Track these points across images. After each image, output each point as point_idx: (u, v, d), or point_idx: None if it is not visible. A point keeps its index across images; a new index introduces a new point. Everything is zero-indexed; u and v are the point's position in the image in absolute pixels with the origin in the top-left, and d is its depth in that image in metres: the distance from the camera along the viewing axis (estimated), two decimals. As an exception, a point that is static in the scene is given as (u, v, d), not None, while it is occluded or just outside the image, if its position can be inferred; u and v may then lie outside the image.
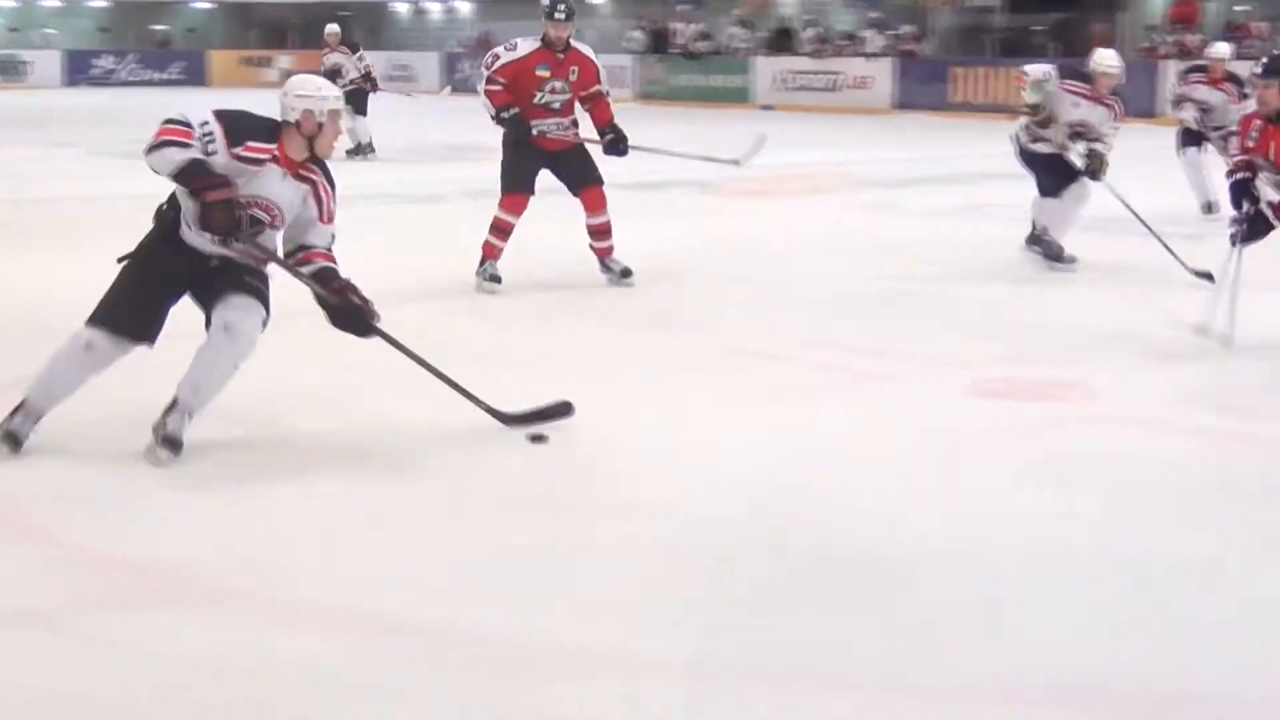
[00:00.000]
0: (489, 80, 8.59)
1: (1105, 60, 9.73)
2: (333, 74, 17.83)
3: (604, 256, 8.84)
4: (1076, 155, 9.58)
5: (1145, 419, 6.12)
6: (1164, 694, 3.53)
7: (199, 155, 5.12)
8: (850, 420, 6.10)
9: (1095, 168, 9.44)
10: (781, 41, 32.14)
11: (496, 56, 8.65)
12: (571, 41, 8.79)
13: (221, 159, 5.17)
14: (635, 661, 3.64)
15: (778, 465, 5.34)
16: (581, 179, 8.71)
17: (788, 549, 4.46)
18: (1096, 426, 6.03)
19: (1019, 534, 4.61)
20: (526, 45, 8.69)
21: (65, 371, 5.24)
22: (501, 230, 8.65)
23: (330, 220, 5.43)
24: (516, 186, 8.65)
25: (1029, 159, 9.77)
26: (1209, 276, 8.03)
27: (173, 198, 5.33)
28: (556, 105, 8.64)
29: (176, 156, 5.08)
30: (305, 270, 5.38)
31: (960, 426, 5.97)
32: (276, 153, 5.26)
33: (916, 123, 25.35)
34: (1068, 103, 9.52)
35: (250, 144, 5.23)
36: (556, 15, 8.65)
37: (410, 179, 15.87)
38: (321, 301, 5.37)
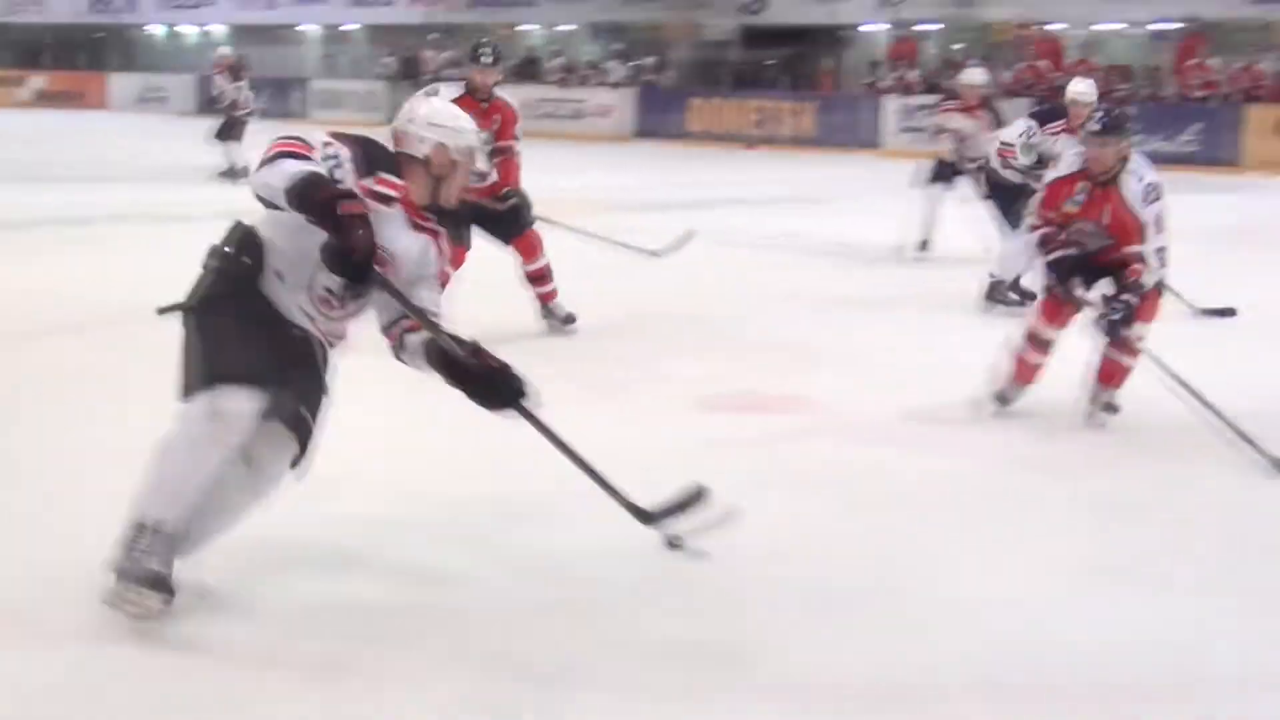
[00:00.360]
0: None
1: (1076, 90, 9.51)
2: (215, 99, 18.35)
3: (547, 301, 8.17)
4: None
5: (859, 429, 6.34)
6: (886, 685, 3.72)
7: (322, 170, 3.91)
8: (581, 433, 6.01)
9: None
10: (528, 70, 32.06)
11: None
12: (494, 90, 7.95)
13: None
14: None
15: (511, 483, 5.26)
16: (510, 227, 7.98)
17: (535, 559, 4.59)
18: (816, 438, 6.23)
19: (755, 537, 4.64)
20: (449, 94, 7.45)
21: (194, 463, 3.85)
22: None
23: (445, 282, 4.32)
24: (456, 240, 7.78)
25: (995, 186, 9.68)
26: (1230, 312, 8.29)
27: (249, 240, 4.09)
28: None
29: (293, 168, 3.83)
30: (416, 338, 4.16)
31: (693, 438, 6.07)
32: (405, 193, 4.15)
33: (655, 150, 25.75)
34: (1050, 143, 9.28)
35: (383, 176, 4.10)
36: (482, 59, 7.86)
37: (164, 199, 15.28)
38: (456, 370, 4.14)
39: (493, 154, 7.68)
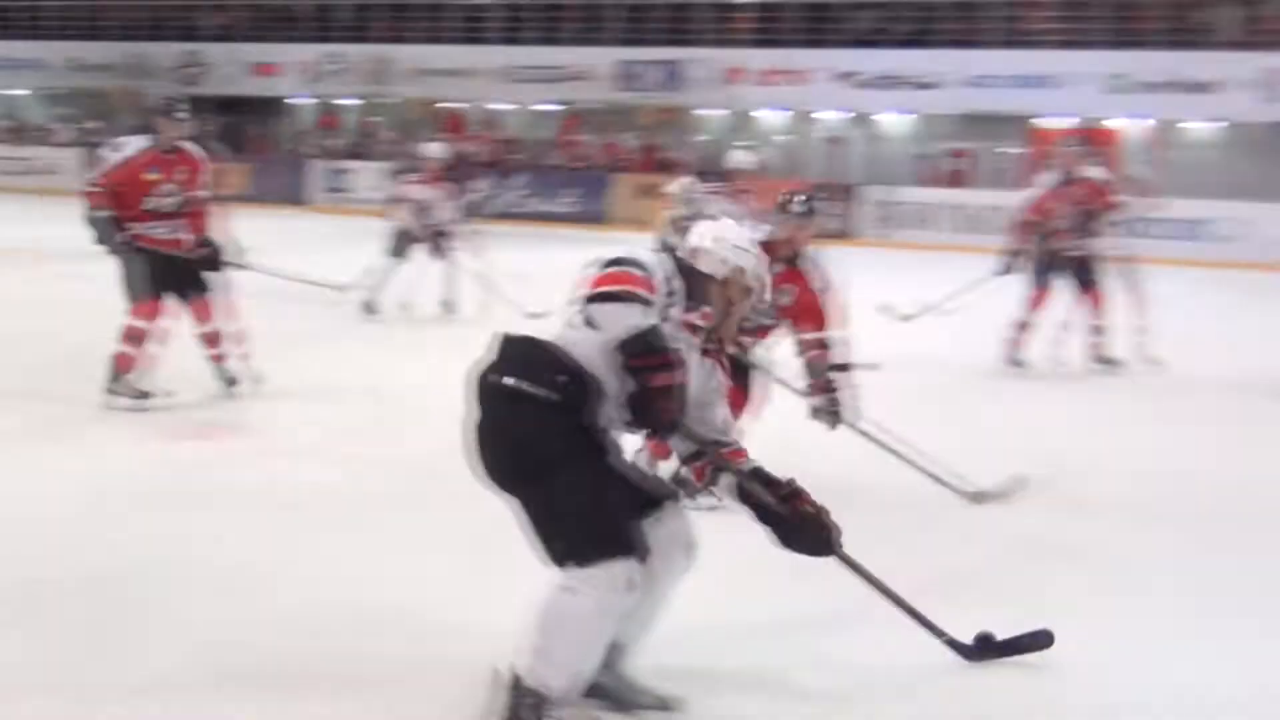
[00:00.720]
0: (91, 182, 7.23)
1: (739, 158, 9.72)
2: None
3: (218, 362, 7.67)
4: None
5: (302, 450, 6.61)
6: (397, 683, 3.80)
7: (657, 320, 3.45)
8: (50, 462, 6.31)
9: None
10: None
11: (104, 160, 7.31)
12: (180, 142, 7.48)
13: (670, 325, 3.54)
14: None
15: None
16: (191, 286, 7.49)
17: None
18: (254, 459, 6.46)
19: (193, 552, 4.93)
20: (135, 145, 7.36)
21: (600, 634, 3.41)
22: (137, 339, 7.28)
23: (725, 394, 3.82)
24: (149, 292, 7.31)
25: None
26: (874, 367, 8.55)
27: (557, 361, 3.49)
28: (167, 208, 7.34)
29: (637, 319, 3.40)
30: (728, 478, 3.71)
31: (143, 465, 6.26)
32: (709, 321, 3.68)
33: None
34: (705, 202, 9.42)
35: (698, 308, 3.64)
36: (177, 115, 7.41)
37: None
38: (767, 514, 3.67)
39: (184, 204, 7.42)
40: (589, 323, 3.46)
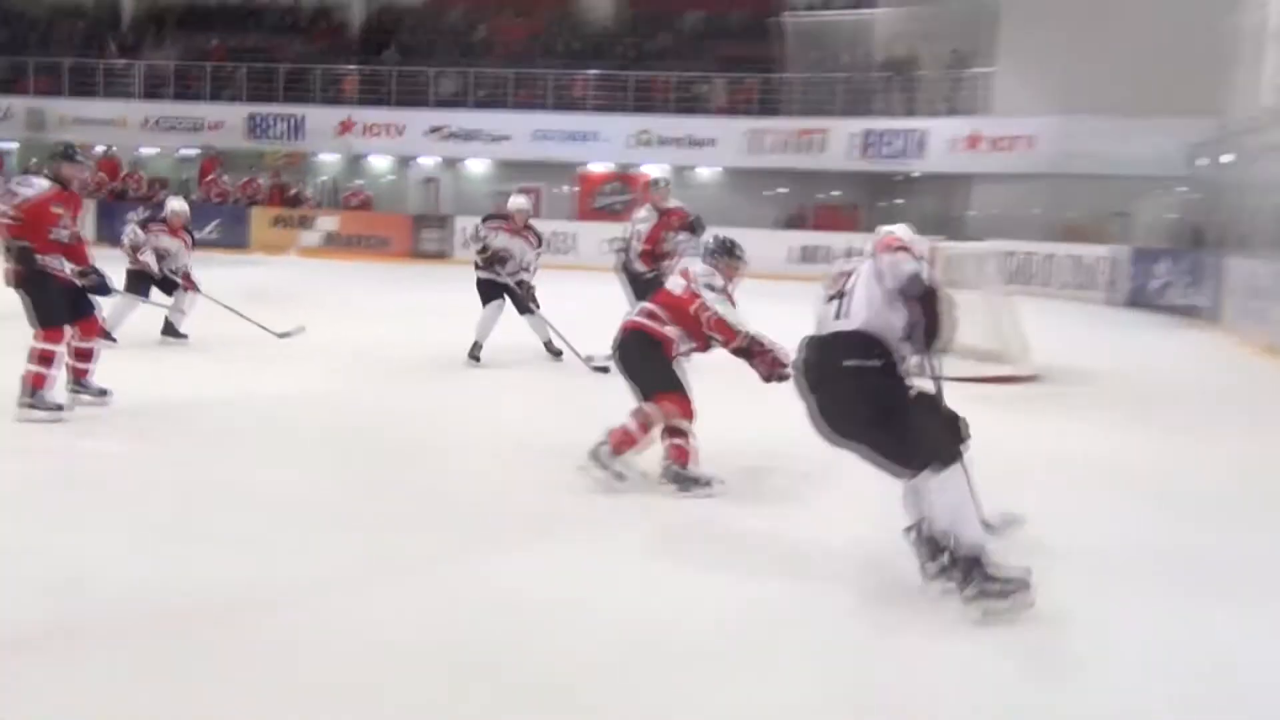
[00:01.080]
0: (4, 214, 7.41)
1: (518, 202, 10.31)
2: None
3: (81, 377, 7.85)
4: (509, 279, 10.07)
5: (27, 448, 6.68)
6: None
7: (925, 270, 4.20)
8: None
9: (526, 296, 10.21)
10: None
11: (14, 194, 7.47)
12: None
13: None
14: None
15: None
16: (79, 309, 7.68)
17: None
18: None
19: None
20: (41, 183, 7.57)
21: (974, 502, 4.18)
22: (48, 360, 7.42)
23: None
24: (60, 319, 7.48)
25: (477, 283, 10.27)
26: (604, 370, 8.96)
27: (868, 338, 4.24)
28: (66, 239, 7.53)
29: (912, 266, 4.16)
30: None
31: None
32: None
33: None
34: (493, 236, 10.13)
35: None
36: (78, 158, 7.75)
37: None
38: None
39: (71, 237, 7.57)
40: (882, 270, 4.19)
